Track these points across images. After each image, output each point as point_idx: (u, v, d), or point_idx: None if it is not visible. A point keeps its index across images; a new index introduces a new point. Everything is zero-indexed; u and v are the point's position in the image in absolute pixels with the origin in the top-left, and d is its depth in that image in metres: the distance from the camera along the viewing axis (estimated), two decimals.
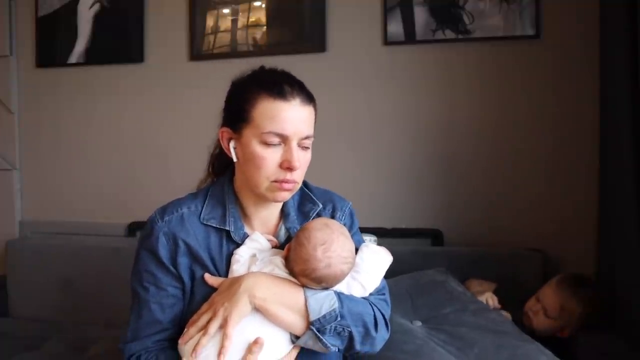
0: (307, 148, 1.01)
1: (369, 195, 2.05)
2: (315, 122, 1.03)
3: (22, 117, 2.42)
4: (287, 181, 0.98)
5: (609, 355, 1.49)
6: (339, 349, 0.99)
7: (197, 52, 2.20)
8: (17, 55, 2.41)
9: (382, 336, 1.03)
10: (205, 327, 0.93)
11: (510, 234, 1.93)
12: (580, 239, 1.87)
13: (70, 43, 2.33)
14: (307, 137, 0.99)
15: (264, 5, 2.15)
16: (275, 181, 0.98)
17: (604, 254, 1.76)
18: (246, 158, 0.99)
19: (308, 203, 1.10)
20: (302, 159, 0.99)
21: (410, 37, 2.01)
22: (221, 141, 1.05)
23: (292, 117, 0.96)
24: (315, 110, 1.03)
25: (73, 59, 2.33)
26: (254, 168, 0.98)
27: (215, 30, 2.20)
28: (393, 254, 1.06)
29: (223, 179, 1.09)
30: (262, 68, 1.05)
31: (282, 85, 0.98)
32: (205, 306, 0.97)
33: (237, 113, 1.00)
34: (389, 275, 1.08)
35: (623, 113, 1.57)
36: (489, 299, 1.61)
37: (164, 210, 1.05)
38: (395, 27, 2.02)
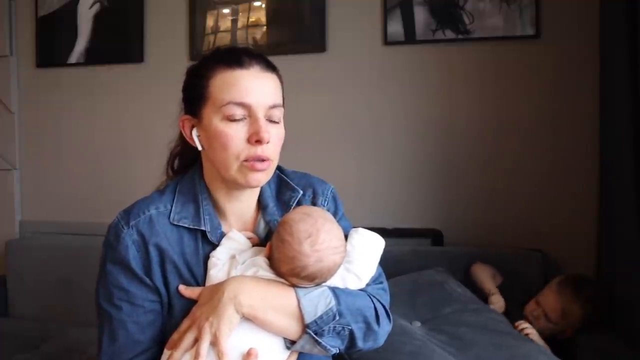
0: (276, 122, 0.90)
1: (369, 195, 2.05)
2: (283, 95, 0.93)
3: (22, 117, 2.42)
4: (258, 158, 0.87)
5: (609, 355, 1.49)
6: (339, 350, 0.89)
7: (197, 52, 2.19)
8: (17, 55, 2.41)
9: (384, 329, 0.94)
10: (195, 350, 0.81)
11: (510, 234, 1.93)
12: (580, 239, 1.86)
13: (70, 43, 2.33)
14: (274, 107, 0.89)
15: (264, 5, 2.15)
16: (246, 160, 0.87)
17: (604, 254, 1.76)
18: (210, 141, 0.89)
19: (287, 191, 0.99)
20: (272, 133, 0.88)
21: (410, 37, 2.01)
22: (183, 132, 0.95)
23: (252, 84, 0.87)
24: (281, 81, 0.93)
25: (73, 59, 2.33)
26: (221, 149, 0.87)
27: (215, 30, 2.19)
28: (393, 254, 1.05)
29: (192, 172, 0.97)
30: (217, 48, 0.96)
31: (239, 54, 0.89)
32: (186, 322, 0.85)
33: (194, 94, 0.91)
34: (389, 275, 1.07)
35: (623, 113, 1.57)
36: (496, 304, 1.60)
37: (128, 214, 0.93)
38: (395, 27, 2.02)
